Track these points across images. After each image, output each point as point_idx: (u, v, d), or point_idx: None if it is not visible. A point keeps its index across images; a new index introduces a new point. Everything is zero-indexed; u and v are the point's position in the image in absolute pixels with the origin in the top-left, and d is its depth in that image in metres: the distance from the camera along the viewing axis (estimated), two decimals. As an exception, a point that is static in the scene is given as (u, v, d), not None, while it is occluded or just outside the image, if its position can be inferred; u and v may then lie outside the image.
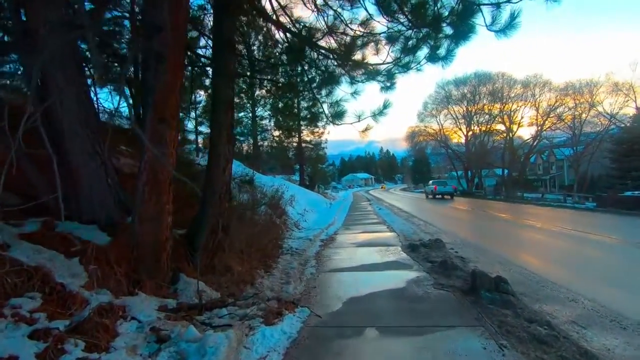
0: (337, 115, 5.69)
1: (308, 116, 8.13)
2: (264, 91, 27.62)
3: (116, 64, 4.94)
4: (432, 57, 5.70)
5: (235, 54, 4.66)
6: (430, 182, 34.63)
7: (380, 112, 5.57)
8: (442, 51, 5.45)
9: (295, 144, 32.96)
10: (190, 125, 16.95)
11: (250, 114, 28.52)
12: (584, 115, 30.43)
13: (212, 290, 3.97)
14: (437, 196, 28.92)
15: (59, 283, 2.82)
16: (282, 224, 9.87)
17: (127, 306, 3.05)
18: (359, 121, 5.58)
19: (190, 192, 6.06)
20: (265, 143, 30.65)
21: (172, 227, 4.95)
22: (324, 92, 6.18)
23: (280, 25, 5.37)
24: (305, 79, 6.88)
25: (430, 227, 11.34)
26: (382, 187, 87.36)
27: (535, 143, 37.23)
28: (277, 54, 7.15)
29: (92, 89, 5.30)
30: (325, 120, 6.34)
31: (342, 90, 6.18)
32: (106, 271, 3.21)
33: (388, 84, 6.13)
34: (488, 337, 3.12)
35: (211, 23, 5.53)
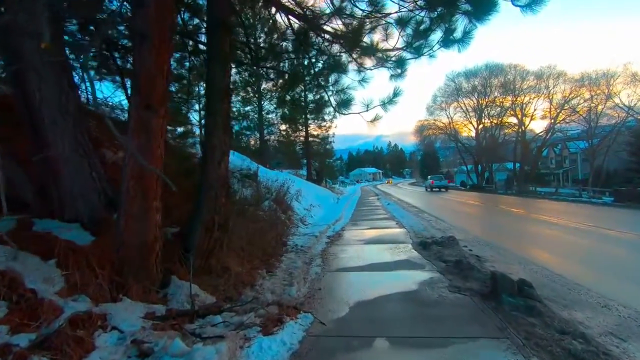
0: (344, 104, 5.28)
1: (314, 106, 7.62)
2: (270, 84, 27.31)
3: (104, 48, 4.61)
4: (447, 41, 5.25)
5: (231, 36, 4.29)
6: (429, 177, 40.73)
7: (390, 100, 5.15)
8: (458, 33, 4.99)
9: (302, 138, 32.61)
10: (194, 118, 16.60)
11: (257, 108, 28.19)
12: (600, 107, 29.37)
13: (207, 293, 3.64)
14: (434, 189, 34.07)
15: (29, 289, 2.51)
16: (287, 220, 9.54)
17: (109, 314, 2.74)
18: (367, 110, 5.18)
19: (191, 187, 5.76)
20: (272, 137, 30.31)
21: (170, 224, 4.65)
22: (330, 79, 5.76)
23: (281, 6, 4.97)
24: (312, 69, 6.48)
25: (441, 223, 10.91)
26: (388, 182, 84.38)
27: (548, 136, 36.21)
28: (279, 40, 6.74)
29: (85, 75, 5.01)
30: (331, 109, 5.89)
31: (350, 78, 5.77)
32: (87, 275, 2.89)
33: (398, 71, 5.70)
34: (515, 351, 2.73)
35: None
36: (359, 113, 5.24)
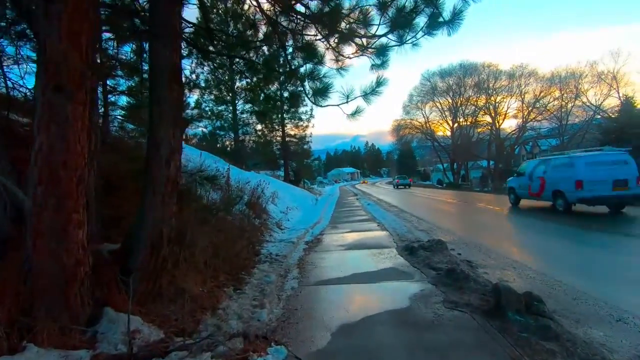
0: (321, 93, 4.63)
1: (288, 97, 6.81)
2: (244, 82, 26.31)
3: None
4: (434, 25, 4.73)
5: (181, 6, 3.54)
6: (395, 177, 51.11)
7: (373, 90, 4.55)
8: (446, 14, 4.47)
9: (279, 139, 31.80)
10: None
11: (231, 107, 27.15)
12: (569, 105, 30.25)
13: (153, 326, 2.90)
14: (399, 186, 41.70)
15: None
16: (262, 225, 8.81)
17: (-1, 374, 1.97)
18: (347, 102, 4.56)
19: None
20: (248, 137, 29.31)
21: (114, 239, 3.85)
22: (306, 67, 5.11)
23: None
24: (285, 55, 5.78)
25: (423, 224, 10.48)
26: (362, 182, 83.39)
27: (520, 134, 37.10)
28: (248, 27, 6.02)
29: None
30: (307, 102, 5.19)
31: (327, 66, 5.12)
32: (-28, 317, 2.10)
33: (379, 61, 5.12)
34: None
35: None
36: (338, 105, 4.62)
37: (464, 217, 12.56)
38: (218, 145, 28.09)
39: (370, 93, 4.52)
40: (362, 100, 4.53)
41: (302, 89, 4.78)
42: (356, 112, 4.63)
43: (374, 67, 5.15)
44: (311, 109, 31.21)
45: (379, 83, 4.44)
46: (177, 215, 3.45)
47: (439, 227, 9.59)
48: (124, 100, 8.97)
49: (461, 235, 8.34)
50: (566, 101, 30.07)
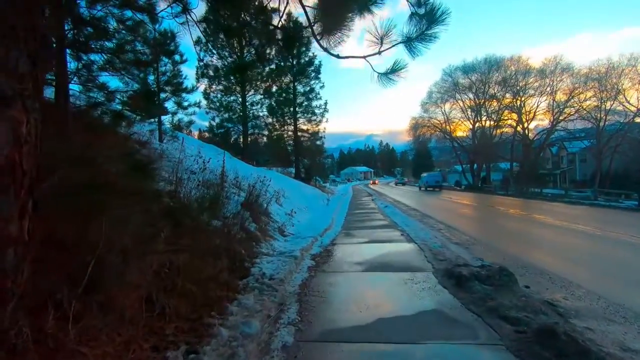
0: (333, 23, 2.86)
1: (281, 39, 4.98)
2: (254, 72, 24.75)
3: None
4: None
5: None
6: (396, 178, 56.77)
7: (422, 34, 2.78)
8: None
9: (291, 133, 30.13)
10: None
11: (240, 98, 25.61)
12: (608, 104, 27.51)
13: None
14: (398, 184, 52.67)
15: None
16: (260, 231, 7.13)
17: None
18: (379, 51, 2.81)
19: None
20: (258, 132, 27.73)
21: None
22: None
23: None
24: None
25: (457, 234, 8.64)
26: (372, 183, 74.88)
27: (549, 135, 34.40)
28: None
29: None
30: (314, 48, 3.38)
31: None
32: None
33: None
34: None
35: None
36: (364, 57, 2.87)
37: (504, 228, 10.61)
38: (231, 141, 26.63)
39: (417, 38, 2.76)
40: (404, 50, 2.79)
41: (309, 35, 2.99)
42: (394, 70, 2.86)
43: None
44: (325, 103, 29.45)
45: (434, 18, 2.66)
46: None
47: (478, 241, 7.74)
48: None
49: (512, 253, 6.50)
50: (605, 99, 27.27)
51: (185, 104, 11.29)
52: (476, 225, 10.97)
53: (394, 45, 2.82)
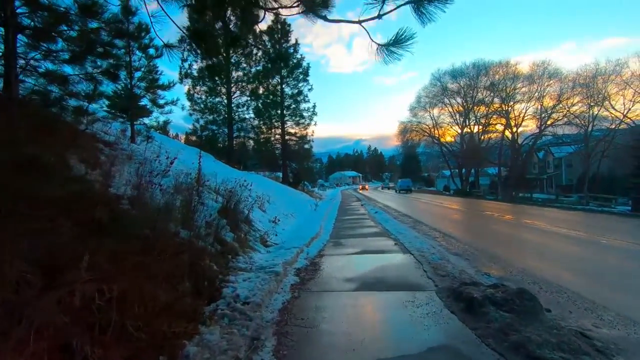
0: None
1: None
2: (240, 73, 23.89)
3: None
4: None
5: None
6: (383, 183, 62.19)
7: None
8: None
9: (278, 137, 29.31)
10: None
11: (226, 100, 24.72)
12: (595, 109, 27.57)
13: None
14: (383, 189, 56.46)
15: None
16: (238, 241, 6.34)
17: None
18: (379, 16, 2.10)
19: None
20: (244, 135, 26.80)
21: None
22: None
23: None
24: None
25: (453, 242, 8.01)
26: (362, 187, 71.29)
27: (536, 140, 34.47)
28: None
29: None
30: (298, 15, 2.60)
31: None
32: None
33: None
34: None
35: None
36: (358, 22, 2.17)
37: (504, 236, 10.03)
38: (218, 144, 25.60)
39: (429, -3, 2.08)
40: (409, 15, 2.11)
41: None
42: (398, 41, 2.17)
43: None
44: (314, 105, 28.80)
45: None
46: None
47: (479, 251, 7.11)
48: None
49: (519, 265, 5.88)
50: (592, 104, 27.29)
51: (162, 101, 10.42)
52: (473, 232, 10.37)
53: (399, 6, 2.12)
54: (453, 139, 45.81)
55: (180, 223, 5.33)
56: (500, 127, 37.71)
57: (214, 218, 6.38)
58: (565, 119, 29.12)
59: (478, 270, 5.46)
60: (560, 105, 29.46)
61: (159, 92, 10.02)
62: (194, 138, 26.32)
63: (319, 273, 5.39)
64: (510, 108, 34.94)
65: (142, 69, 10.01)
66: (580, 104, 28.19)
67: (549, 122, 31.30)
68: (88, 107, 7.24)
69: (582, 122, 28.14)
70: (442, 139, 45.55)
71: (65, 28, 6.64)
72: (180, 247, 4.30)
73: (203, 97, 24.79)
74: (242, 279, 4.70)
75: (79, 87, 7.04)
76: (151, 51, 9.70)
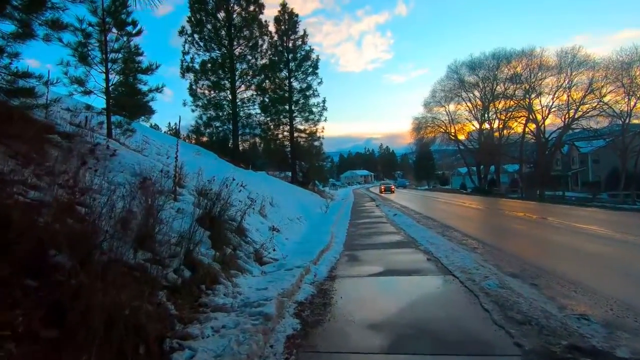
0: None
1: None
2: (245, 66, 22.34)
3: None
4: None
5: None
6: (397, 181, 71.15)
7: None
8: None
9: (286, 134, 27.69)
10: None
11: (230, 95, 23.22)
12: (633, 100, 25.00)
13: None
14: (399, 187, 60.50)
15: None
16: (220, 262, 4.71)
17: None
18: None
19: None
20: (248, 130, 25.24)
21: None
22: None
23: None
24: None
25: (500, 256, 6.27)
26: (383, 189, 49.89)
27: (562, 134, 31.97)
28: None
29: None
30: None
31: None
32: None
33: None
34: None
35: None
36: None
37: (554, 245, 8.16)
38: (222, 142, 24.13)
39: None
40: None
41: None
42: None
43: None
44: (323, 100, 27.09)
45: None
46: None
47: (543, 270, 5.33)
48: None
49: (609, 293, 4.10)
50: (633, 91, 24.66)
51: (145, 88, 8.87)
52: (518, 241, 8.54)
53: None
54: (468, 136, 43.56)
55: (136, 240, 3.74)
56: (523, 120, 35.34)
57: (188, 230, 4.75)
58: (597, 110, 26.61)
59: (562, 307, 3.72)
60: (592, 94, 26.94)
61: (139, 76, 8.47)
62: (196, 136, 25.00)
63: (329, 312, 3.72)
64: (533, 101, 32.60)
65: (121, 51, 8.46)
66: (614, 94, 25.70)
67: (578, 114, 28.83)
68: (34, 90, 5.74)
69: (618, 112, 25.62)
70: (458, 135, 43.35)
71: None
72: (124, 280, 2.66)
73: (206, 92, 23.35)
74: (212, 329, 3.06)
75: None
76: (129, 28, 8.19)
